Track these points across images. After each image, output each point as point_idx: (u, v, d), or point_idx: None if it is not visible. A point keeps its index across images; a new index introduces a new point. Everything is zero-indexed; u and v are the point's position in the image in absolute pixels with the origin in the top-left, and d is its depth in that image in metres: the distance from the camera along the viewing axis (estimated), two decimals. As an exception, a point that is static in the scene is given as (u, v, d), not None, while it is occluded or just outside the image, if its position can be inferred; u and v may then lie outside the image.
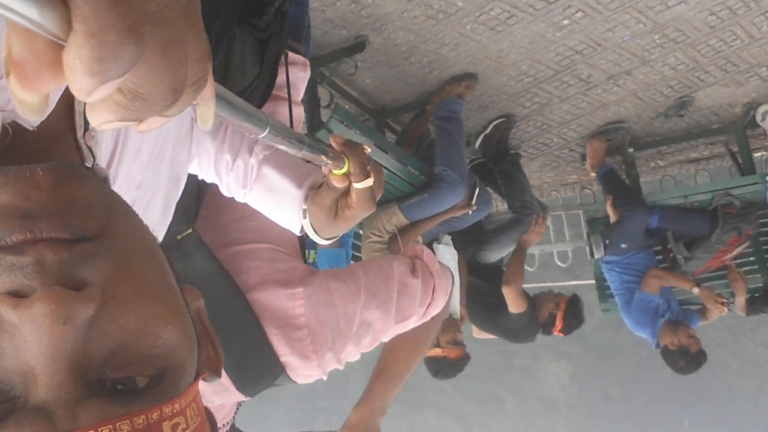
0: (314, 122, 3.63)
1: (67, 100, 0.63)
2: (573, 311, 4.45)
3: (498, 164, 4.70)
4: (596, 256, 4.88)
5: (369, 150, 1.08)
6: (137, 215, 0.58)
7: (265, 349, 1.41)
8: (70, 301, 0.45)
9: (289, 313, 1.42)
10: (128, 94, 0.40)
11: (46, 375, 0.45)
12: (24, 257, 0.45)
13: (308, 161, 1.13)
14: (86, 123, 0.65)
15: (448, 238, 4.31)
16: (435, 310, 1.59)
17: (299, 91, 1.93)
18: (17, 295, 0.44)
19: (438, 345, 4.07)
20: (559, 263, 5.58)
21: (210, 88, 0.47)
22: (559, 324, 4.41)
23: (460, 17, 3.57)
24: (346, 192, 1.08)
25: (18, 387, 0.45)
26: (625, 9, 3.57)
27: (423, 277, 1.55)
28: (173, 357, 0.52)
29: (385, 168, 3.77)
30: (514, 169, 4.67)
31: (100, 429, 0.45)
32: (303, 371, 1.46)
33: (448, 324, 4.07)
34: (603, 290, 5.13)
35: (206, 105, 0.49)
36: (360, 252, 4.20)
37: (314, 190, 1.18)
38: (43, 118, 0.40)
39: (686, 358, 4.53)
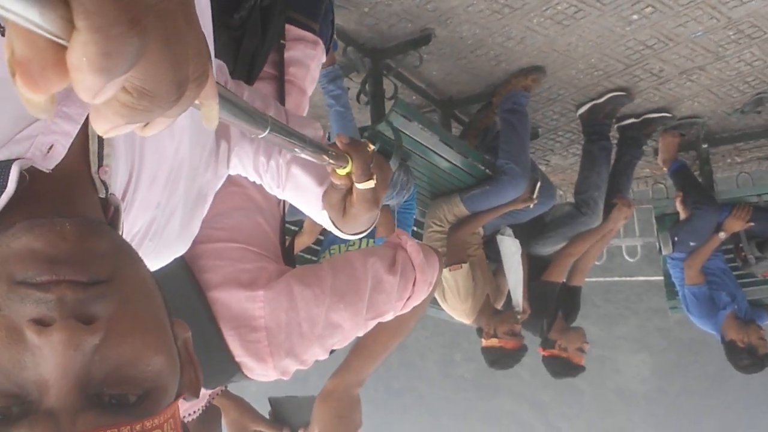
0: (378, 114, 3.71)
1: (81, 142, 0.73)
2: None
3: (590, 143, 4.57)
4: (664, 252, 4.80)
5: (372, 147, 1.07)
6: (142, 261, 0.69)
7: (221, 349, 1.43)
8: (80, 333, 0.56)
9: (248, 315, 1.44)
10: (134, 92, 0.41)
11: (57, 387, 0.57)
12: (48, 294, 0.56)
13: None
14: (100, 159, 0.75)
15: (510, 231, 4.34)
16: (415, 302, 1.58)
17: (308, 70, 1.89)
18: (41, 323, 0.56)
19: (495, 335, 4.10)
20: (627, 258, 5.51)
21: (212, 86, 0.50)
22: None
23: (527, 11, 3.57)
24: (351, 191, 1.07)
25: (33, 394, 0.57)
26: (697, 5, 3.49)
27: (402, 272, 1.53)
28: (158, 380, 0.63)
29: (448, 160, 3.83)
30: (602, 158, 4.51)
31: None
32: (259, 372, 1.49)
33: (507, 315, 4.11)
34: (670, 287, 5.04)
35: (209, 104, 0.52)
36: (422, 240, 4.28)
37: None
38: (50, 116, 0.41)
39: (752, 359, 4.43)
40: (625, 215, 4.52)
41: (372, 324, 1.52)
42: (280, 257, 1.64)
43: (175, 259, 1.07)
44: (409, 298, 1.54)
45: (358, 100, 3.97)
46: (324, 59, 1.94)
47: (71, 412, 0.57)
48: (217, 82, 0.53)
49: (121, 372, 0.60)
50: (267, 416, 1.92)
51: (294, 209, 3.45)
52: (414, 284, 1.54)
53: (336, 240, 3.45)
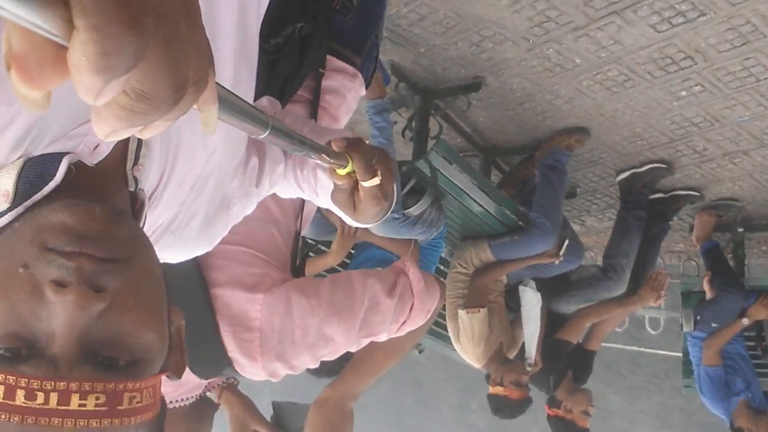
0: (420, 151, 3.82)
1: (122, 142, 0.85)
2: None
3: (625, 210, 4.61)
4: (685, 329, 4.80)
5: (369, 141, 1.07)
6: (155, 252, 0.80)
7: (216, 342, 1.51)
8: (90, 298, 0.68)
9: (246, 315, 1.52)
10: (133, 94, 0.42)
11: (62, 339, 0.69)
12: (70, 262, 0.68)
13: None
14: (136, 158, 0.86)
15: (533, 284, 4.38)
16: (411, 327, 1.63)
17: (345, 100, 1.94)
18: (59, 285, 0.67)
19: (501, 383, 4.14)
20: (650, 330, 5.50)
21: (211, 91, 0.51)
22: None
23: (577, 73, 3.67)
24: (357, 188, 1.08)
25: (42, 342, 0.69)
26: (746, 90, 3.55)
27: (401, 296, 1.59)
28: (147, 353, 0.74)
29: (481, 205, 3.91)
30: (635, 227, 4.55)
31: (83, 384, 0.68)
32: (249, 369, 1.56)
33: (516, 365, 4.14)
34: (687, 365, 5.02)
35: (208, 110, 0.53)
36: (444, 278, 4.35)
37: None
38: (45, 111, 0.42)
39: (758, 451, 4.38)
40: (656, 296, 4.51)
41: (365, 342, 1.58)
42: (287, 267, 1.71)
43: None
44: (404, 322, 1.60)
45: (403, 135, 4.09)
46: (363, 92, 2.02)
47: (70, 363, 0.68)
48: (218, 83, 0.55)
49: (116, 338, 0.71)
50: (269, 419, 2.02)
51: (323, 230, 3.57)
52: (411, 310, 1.60)
53: (363, 266, 3.53)
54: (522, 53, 3.57)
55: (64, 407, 0.66)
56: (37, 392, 0.66)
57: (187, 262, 1.41)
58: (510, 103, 4.07)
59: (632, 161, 4.50)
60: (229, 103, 0.64)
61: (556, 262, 4.13)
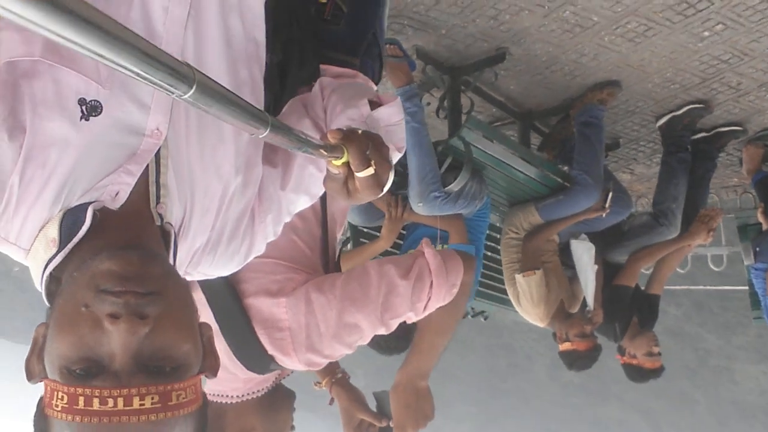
0: (455, 128, 3.97)
1: (144, 188, 1.07)
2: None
3: (668, 154, 4.66)
4: (746, 262, 4.82)
5: (361, 131, 1.11)
6: (184, 280, 1.04)
7: (256, 344, 1.70)
8: (137, 324, 0.91)
9: (276, 318, 1.69)
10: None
11: (120, 357, 0.92)
12: (119, 299, 0.91)
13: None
14: (157, 198, 1.08)
15: (584, 236, 4.48)
16: (438, 303, 1.75)
17: None
18: (113, 317, 0.91)
19: (567, 339, 4.26)
20: (712, 267, 5.52)
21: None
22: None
23: (597, 30, 3.74)
24: (351, 176, 1.13)
25: (105, 361, 0.92)
26: (768, 20, 3.57)
27: (418, 277, 1.71)
28: (186, 359, 0.98)
29: (522, 171, 4.04)
30: (680, 170, 4.60)
31: (141, 389, 0.91)
32: (288, 363, 1.73)
33: (576, 318, 4.25)
34: (754, 297, 5.03)
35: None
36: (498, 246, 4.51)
37: None
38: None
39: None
40: (707, 228, 4.55)
41: (394, 323, 1.73)
42: (317, 268, 1.86)
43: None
44: (429, 299, 1.73)
45: (437, 114, 4.24)
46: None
47: (128, 374, 0.92)
48: (219, 84, 0.72)
49: (161, 352, 0.95)
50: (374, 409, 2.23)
51: (371, 217, 3.76)
52: (431, 288, 1.73)
53: (413, 245, 3.71)
54: (539, 19, 3.67)
55: (128, 407, 0.90)
56: (107, 398, 0.89)
57: (219, 281, 1.63)
58: (537, 68, 4.17)
59: (669, 105, 4.54)
60: (229, 100, 0.73)
61: (604, 214, 4.22)
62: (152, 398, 0.91)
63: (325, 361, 1.75)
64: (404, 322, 1.91)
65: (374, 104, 1.36)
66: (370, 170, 1.09)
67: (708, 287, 5.72)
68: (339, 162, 1.07)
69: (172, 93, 0.67)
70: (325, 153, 1.02)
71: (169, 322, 0.95)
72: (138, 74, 0.61)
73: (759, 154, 4.79)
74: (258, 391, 1.89)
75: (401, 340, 3.17)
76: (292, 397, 2.03)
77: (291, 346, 1.69)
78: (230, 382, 1.84)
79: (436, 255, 1.76)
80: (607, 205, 4.17)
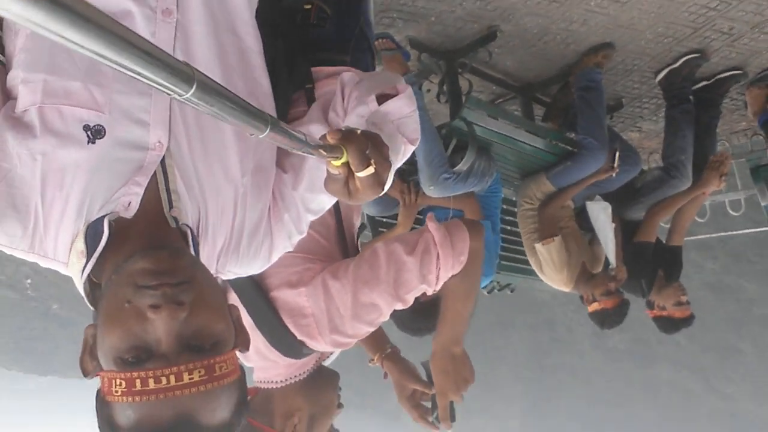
0: (456, 111, 4.07)
1: (155, 195, 1.21)
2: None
3: (671, 108, 4.71)
4: (762, 203, 4.87)
5: (360, 130, 1.10)
6: (209, 272, 1.18)
7: (286, 332, 1.83)
8: (176, 311, 1.05)
9: (300, 306, 1.82)
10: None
11: (165, 341, 1.06)
12: (157, 291, 1.05)
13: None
14: (169, 204, 1.21)
15: (598, 197, 4.56)
16: (450, 272, 1.85)
17: None
18: (154, 307, 1.04)
19: (594, 299, 4.35)
20: (731, 212, 5.56)
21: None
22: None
23: (582, -4, 3.83)
24: (352, 176, 1.13)
25: (153, 346, 1.06)
26: (748, -36, 3.62)
27: (425, 251, 1.81)
28: (221, 336, 1.12)
29: (528, 143, 4.14)
30: (684, 121, 4.64)
31: (188, 365, 1.05)
32: (317, 346, 1.87)
33: (599, 277, 4.32)
34: (777, 235, 5.09)
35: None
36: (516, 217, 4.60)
37: None
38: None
39: None
40: (719, 174, 4.60)
41: (410, 297, 1.84)
42: (334, 256, 1.98)
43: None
44: (439, 270, 1.83)
45: (438, 99, 4.35)
46: None
47: (175, 354, 1.06)
48: (219, 84, 0.75)
49: (200, 331, 1.09)
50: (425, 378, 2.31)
51: (387, 206, 3.88)
52: (438, 259, 1.83)
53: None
54: (524, -6, 3.76)
55: (180, 382, 1.04)
56: (161, 377, 1.03)
57: (246, 279, 1.77)
58: (529, 41, 4.26)
59: (665, 59, 4.59)
60: (228, 99, 0.73)
61: (614, 174, 4.29)
62: (199, 372, 1.05)
63: (350, 341, 1.88)
64: (430, 300, 2.02)
65: (387, 96, 1.39)
66: (371, 170, 1.10)
67: (731, 233, 5.73)
68: (338, 162, 1.08)
69: (173, 93, 0.68)
70: (325, 153, 1.02)
71: (203, 305, 1.09)
72: (139, 74, 0.62)
73: (762, 95, 4.81)
74: (300, 374, 2.02)
75: (428, 319, 3.28)
76: (335, 377, 2.13)
77: (316, 330, 1.82)
78: (273, 369, 1.99)
79: (440, 228, 1.86)
80: (615, 165, 4.25)
